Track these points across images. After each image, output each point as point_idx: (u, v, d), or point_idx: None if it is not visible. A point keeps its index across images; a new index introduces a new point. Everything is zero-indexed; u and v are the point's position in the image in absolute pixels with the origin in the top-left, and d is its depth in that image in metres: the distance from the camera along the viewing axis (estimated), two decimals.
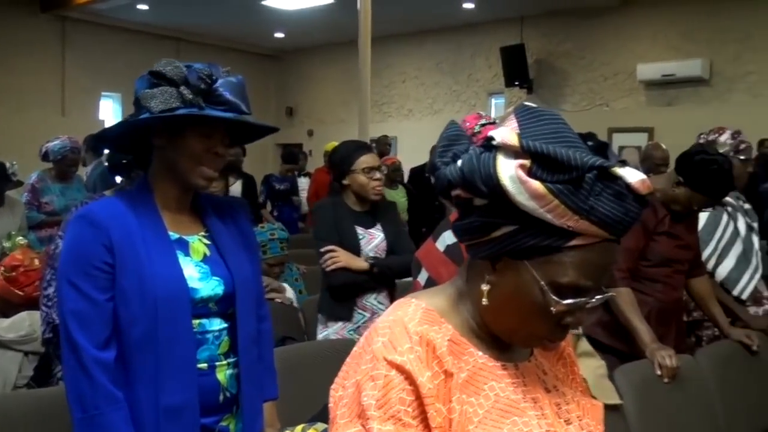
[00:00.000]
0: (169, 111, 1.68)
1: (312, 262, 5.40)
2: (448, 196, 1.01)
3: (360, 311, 3.22)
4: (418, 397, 0.94)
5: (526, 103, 1.02)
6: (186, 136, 1.74)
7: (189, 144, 1.74)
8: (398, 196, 7.23)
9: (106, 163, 2.62)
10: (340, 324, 3.21)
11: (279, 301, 4.10)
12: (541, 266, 0.95)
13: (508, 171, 0.92)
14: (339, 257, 3.12)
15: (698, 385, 2.96)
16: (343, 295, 3.19)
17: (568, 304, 0.96)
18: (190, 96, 1.69)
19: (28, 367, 3.11)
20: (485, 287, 1.00)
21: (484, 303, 1.01)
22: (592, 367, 2.55)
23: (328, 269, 3.13)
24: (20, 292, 3.25)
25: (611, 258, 0.98)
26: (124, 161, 2.52)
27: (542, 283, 0.95)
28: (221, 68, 1.79)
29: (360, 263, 3.16)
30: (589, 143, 0.97)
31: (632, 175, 0.92)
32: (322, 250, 3.15)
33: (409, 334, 0.98)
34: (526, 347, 1.09)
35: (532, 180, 0.91)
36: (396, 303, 1.08)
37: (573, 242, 0.94)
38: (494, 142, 0.94)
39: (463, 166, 0.96)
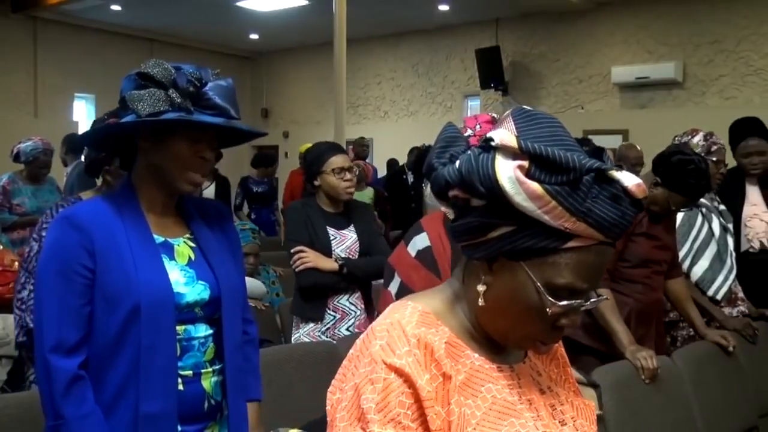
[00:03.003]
0: (156, 114, 1.65)
1: (289, 265, 5.40)
2: (446, 197, 1.01)
3: (331, 312, 3.21)
4: (418, 400, 0.95)
5: (524, 107, 1.03)
6: (173, 140, 1.71)
7: (176, 148, 1.71)
8: (364, 197, 7.19)
9: (84, 163, 2.59)
10: (311, 325, 3.20)
11: (259, 307, 4.11)
12: (538, 267, 0.96)
13: (507, 172, 0.93)
14: (308, 257, 3.12)
15: (675, 386, 2.99)
16: (312, 295, 3.19)
17: (563, 306, 0.96)
18: (179, 99, 1.66)
19: (1, 371, 3.09)
20: (481, 288, 1.01)
21: (480, 304, 1.01)
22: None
23: (297, 269, 3.13)
24: None
25: (606, 260, 0.99)
26: (100, 161, 2.51)
27: (538, 284, 0.96)
28: (211, 71, 1.77)
29: (329, 263, 3.15)
30: (585, 148, 0.98)
31: (628, 179, 0.93)
32: (293, 250, 3.15)
33: (407, 337, 0.98)
34: (520, 349, 1.10)
35: (531, 181, 0.92)
36: (392, 306, 1.08)
37: (570, 244, 0.95)
38: (493, 143, 0.95)
39: (461, 166, 0.97)
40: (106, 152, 2.25)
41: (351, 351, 1.04)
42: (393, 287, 2.17)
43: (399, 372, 0.95)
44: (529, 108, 1.02)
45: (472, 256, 1.03)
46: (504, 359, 1.07)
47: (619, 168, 0.95)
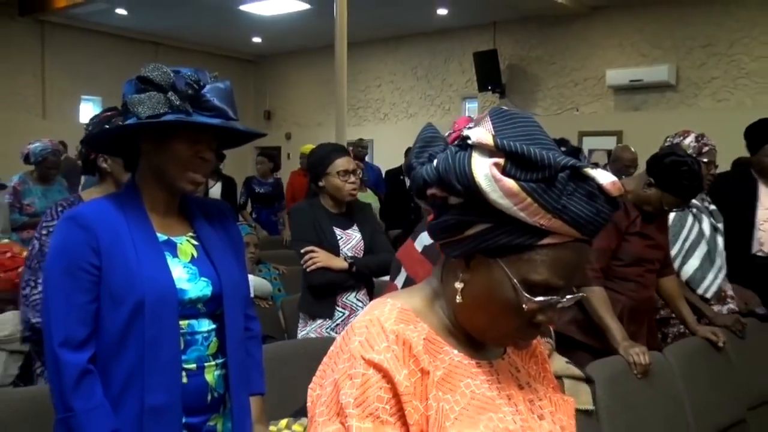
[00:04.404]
0: (156, 117, 1.69)
1: (291, 263, 5.47)
2: (424, 196, 1.02)
3: (340, 309, 3.27)
4: (396, 395, 0.95)
5: (502, 107, 1.05)
6: (173, 142, 1.75)
7: (176, 149, 1.75)
8: (368, 199, 7.26)
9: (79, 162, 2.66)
10: (319, 321, 3.26)
11: (263, 305, 4.20)
12: (514, 264, 0.97)
13: (483, 169, 0.93)
14: (319, 257, 3.17)
15: (667, 381, 3.02)
16: (323, 293, 3.24)
17: (539, 302, 0.97)
18: (178, 102, 1.70)
19: (12, 366, 3.14)
20: (459, 285, 1.02)
21: (457, 301, 1.02)
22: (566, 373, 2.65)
23: (308, 269, 3.18)
24: (2, 274, 3.30)
25: (583, 258, 0.99)
26: (92, 159, 2.57)
27: (514, 280, 0.96)
28: (209, 74, 1.80)
29: (339, 263, 3.21)
30: (563, 149, 1.03)
31: (603, 177, 0.94)
32: (303, 250, 3.19)
33: (386, 333, 0.98)
34: (498, 346, 1.10)
35: (506, 178, 0.93)
36: (372, 303, 1.08)
37: (545, 241, 0.95)
38: (469, 142, 0.96)
39: (438, 165, 0.98)
40: (111, 154, 2.32)
41: (331, 348, 1.04)
42: (399, 281, 2.18)
43: (377, 367, 0.95)
44: (506, 108, 1.02)
45: (450, 254, 1.03)
46: (483, 355, 1.07)
47: (595, 166, 0.96)
